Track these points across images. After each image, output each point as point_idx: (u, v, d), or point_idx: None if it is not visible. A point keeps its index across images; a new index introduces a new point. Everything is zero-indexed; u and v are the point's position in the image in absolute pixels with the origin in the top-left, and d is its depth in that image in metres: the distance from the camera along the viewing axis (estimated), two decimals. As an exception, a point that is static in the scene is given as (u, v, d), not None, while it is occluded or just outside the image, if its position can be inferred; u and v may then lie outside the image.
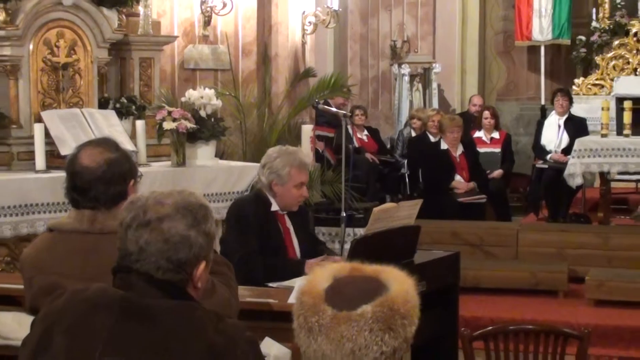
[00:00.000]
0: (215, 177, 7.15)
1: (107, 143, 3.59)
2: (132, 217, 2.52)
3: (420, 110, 12.15)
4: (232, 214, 5.33)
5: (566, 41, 13.62)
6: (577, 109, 11.69)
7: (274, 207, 5.19)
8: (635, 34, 13.28)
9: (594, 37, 13.58)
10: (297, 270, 4.96)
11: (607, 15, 13.72)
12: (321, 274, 2.09)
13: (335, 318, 1.99)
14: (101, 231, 3.38)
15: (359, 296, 2.00)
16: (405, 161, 11.35)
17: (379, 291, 2.02)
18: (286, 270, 4.96)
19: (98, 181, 3.43)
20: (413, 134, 11.66)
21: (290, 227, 5.28)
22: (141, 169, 6.47)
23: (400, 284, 2.05)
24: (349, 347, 1.97)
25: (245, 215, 5.18)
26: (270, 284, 4.70)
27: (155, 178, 6.64)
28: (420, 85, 13.27)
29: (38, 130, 6.36)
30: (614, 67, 13.32)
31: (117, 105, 7.14)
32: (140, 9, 7.53)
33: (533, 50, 13.92)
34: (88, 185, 3.43)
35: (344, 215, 7.52)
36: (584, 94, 13.16)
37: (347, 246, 6.72)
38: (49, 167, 6.30)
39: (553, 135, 11.11)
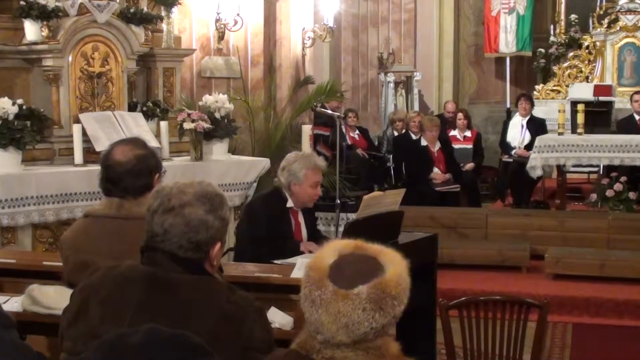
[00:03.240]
0: (228, 169, 7.14)
1: (136, 141, 3.59)
2: (158, 203, 2.53)
3: (398, 112, 12.11)
4: (247, 213, 5.33)
5: (528, 53, 13.63)
6: (538, 111, 11.68)
7: (289, 204, 5.17)
8: (587, 47, 13.28)
9: (552, 50, 13.60)
10: (294, 248, 4.99)
11: (563, 31, 13.74)
12: (328, 249, 2.07)
13: (335, 294, 1.97)
14: (127, 216, 3.38)
15: (357, 276, 1.98)
16: (391, 156, 11.34)
17: (376, 273, 1.99)
18: (286, 248, 4.97)
19: (128, 174, 3.42)
20: (395, 133, 11.67)
21: (302, 222, 5.27)
22: (165, 163, 6.48)
23: (395, 267, 2.02)
24: (344, 321, 1.96)
25: (258, 219, 5.14)
26: (275, 261, 4.70)
27: (177, 171, 6.62)
28: (403, 91, 13.25)
29: (76, 130, 6.34)
30: (568, 75, 13.32)
31: (144, 109, 7.12)
32: (164, 26, 7.52)
33: (500, 61, 13.91)
34: (119, 177, 3.42)
35: (339, 202, 7.53)
36: (543, 98, 13.18)
37: (341, 229, 6.72)
38: (86, 161, 6.28)
39: (517, 133, 11.11)
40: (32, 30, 6.42)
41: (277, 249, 4.93)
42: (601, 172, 10.74)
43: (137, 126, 6.72)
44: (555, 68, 13.43)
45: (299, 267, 4.12)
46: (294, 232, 5.21)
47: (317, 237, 5.46)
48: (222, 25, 8.94)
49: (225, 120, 7.27)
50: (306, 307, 2.01)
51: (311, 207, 5.30)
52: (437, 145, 10.26)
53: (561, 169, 10.23)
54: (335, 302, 1.97)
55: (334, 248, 2.07)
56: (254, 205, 5.39)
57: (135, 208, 3.36)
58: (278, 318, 3.56)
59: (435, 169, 10.15)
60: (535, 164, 9.90)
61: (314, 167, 5.14)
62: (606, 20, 13.14)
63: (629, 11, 12.86)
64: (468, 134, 11.34)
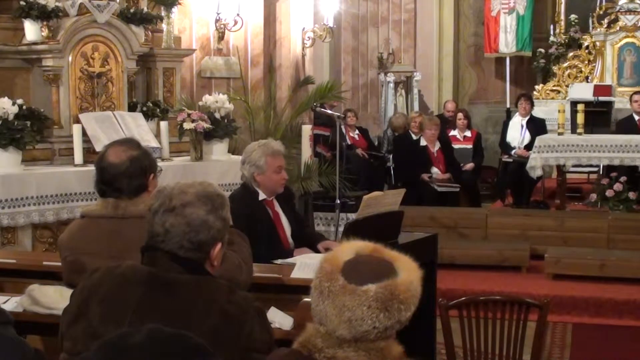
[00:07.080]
0: (228, 170, 7.13)
1: (130, 142, 3.60)
2: (160, 203, 2.53)
3: (399, 118, 12.05)
4: None
5: (528, 53, 13.64)
6: (537, 111, 11.70)
7: (261, 196, 5.04)
8: (587, 47, 13.30)
9: (552, 50, 13.62)
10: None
11: (563, 31, 13.76)
12: (347, 248, 2.08)
13: (344, 288, 1.98)
14: (123, 216, 3.40)
15: (369, 275, 1.99)
16: (391, 156, 11.34)
17: (388, 275, 2.00)
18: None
19: (122, 175, 3.44)
20: (396, 134, 11.68)
21: (279, 211, 5.13)
22: (164, 163, 6.49)
23: (408, 274, 2.03)
24: (348, 315, 1.97)
25: (234, 219, 5.07)
26: (275, 261, 4.67)
27: (177, 171, 6.63)
28: (403, 91, 13.26)
29: (76, 130, 6.35)
30: (568, 75, 13.33)
31: (144, 109, 7.13)
32: (164, 26, 7.53)
33: (500, 61, 13.91)
34: (113, 179, 3.45)
35: (339, 202, 7.54)
36: (543, 98, 13.19)
37: (341, 229, 6.73)
38: (86, 161, 6.27)
39: (517, 133, 11.12)
40: (32, 30, 6.43)
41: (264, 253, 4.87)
42: (601, 172, 10.74)
43: (137, 126, 6.72)
44: (555, 68, 13.44)
45: (299, 267, 4.13)
46: (274, 222, 5.09)
47: (300, 224, 5.36)
48: (222, 26, 8.94)
49: (225, 120, 7.28)
50: (314, 297, 2.02)
51: (281, 192, 5.14)
52: (437, 145, 10.27)
53: (561, 169, 10.24)
54: (342, 296, 1.97)
55: (353, 247, 2.08)
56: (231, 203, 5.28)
57: (131, 207, 3.39)
58: (278, 318, 3.55)
59: (435, 169, 10.16)
60: (535, 164, 9.91)
61: (273, 153, 5.02)
62: (606, 20, 13.15)
63: (629, 11, 12.87)
64: (468, 134, 11.35)
